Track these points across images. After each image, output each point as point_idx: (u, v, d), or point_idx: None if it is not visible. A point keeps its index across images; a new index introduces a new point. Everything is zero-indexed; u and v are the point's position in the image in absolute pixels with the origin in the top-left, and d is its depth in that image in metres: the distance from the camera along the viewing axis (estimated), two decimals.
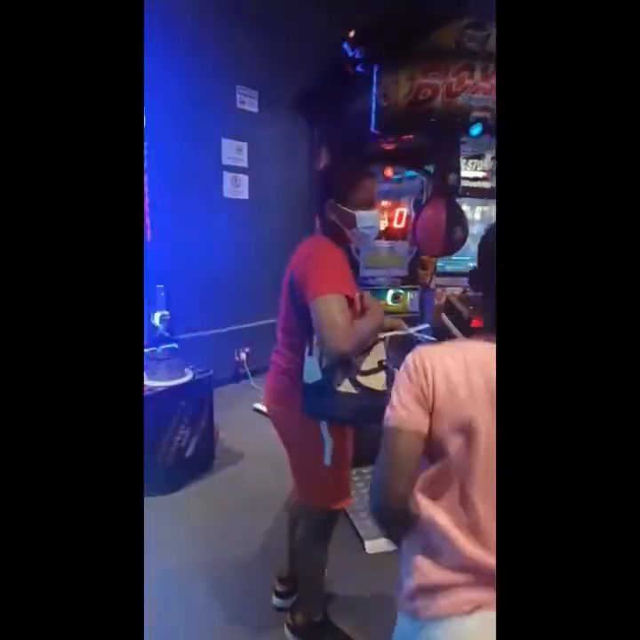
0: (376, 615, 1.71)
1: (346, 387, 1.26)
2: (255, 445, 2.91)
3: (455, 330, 2.69)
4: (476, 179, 3.05)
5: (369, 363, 1.32)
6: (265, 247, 3.98)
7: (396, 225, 2.44)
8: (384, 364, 1.33)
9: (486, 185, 3.09)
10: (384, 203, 2.43)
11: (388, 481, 0.82)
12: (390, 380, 1.33)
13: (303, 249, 1.41)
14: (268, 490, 2.42)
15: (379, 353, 1.35)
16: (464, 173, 2.91)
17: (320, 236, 1.45)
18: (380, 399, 1.26)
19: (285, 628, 1.68)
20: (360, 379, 1.28)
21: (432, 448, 0.81)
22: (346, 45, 1.85)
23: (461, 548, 0.77)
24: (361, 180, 1.42)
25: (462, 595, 0.76)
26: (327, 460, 1.37)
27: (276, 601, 1.78)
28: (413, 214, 2.40)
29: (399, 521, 0.86)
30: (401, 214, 2.43)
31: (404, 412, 0.80)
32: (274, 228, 4.07)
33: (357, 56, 1.85)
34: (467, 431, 0.77)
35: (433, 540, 0.81)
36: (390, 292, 2.46)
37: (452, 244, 1.91)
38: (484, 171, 3.09)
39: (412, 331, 1.47)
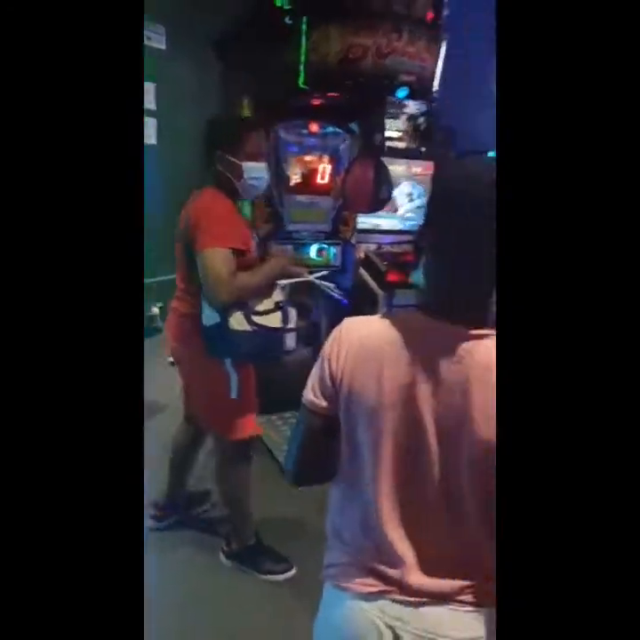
0: (304, 536, 1.91)
1: (242, 325, 1.39)
2: (174, 399, 2.92)
3: (373, 283, 2.87)
4: (390, 138, 3.17)
5: (266, 304, 1.46)
6: (175, 197, 3.81)
7: (319, 180, 2.49)
8: (280, 304, 1.48)
9: (401, 145, 3.24)
10: (308, 157, 2.46)
11: (295, 457, 0.79)
12: (286, 317, 1.49)
13: (194, 200, 1.47)
14: None
15: (277, 295, 1.50)
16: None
17: (211, 188, 1.49)
18: (275, 335, 1.45)
19: (220, 554, 1.81)
20: (255, 318, 1.41)
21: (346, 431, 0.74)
22: None
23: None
24: (248, 131, 1.48)
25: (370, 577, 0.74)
26: (234, 394, 1.49)
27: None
28: (336, 170, 2.47)
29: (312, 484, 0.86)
30: (325, 170, 2.48)
31: (310, 394, 0.76)
32: (185, 176, 3.87)
33: (286, 6, 1.82)
34: (374, 425, 0.70)
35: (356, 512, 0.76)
36: (314, 247, 2.55)
37: (379, 202, 2.03)
38: (399, 131, 3.22)
39: (311, 277, 1.61)
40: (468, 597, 0.70)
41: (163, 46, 3.73)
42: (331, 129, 2.40)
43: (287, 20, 1.88)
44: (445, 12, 1.94)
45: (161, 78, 3.72)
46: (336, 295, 1.64)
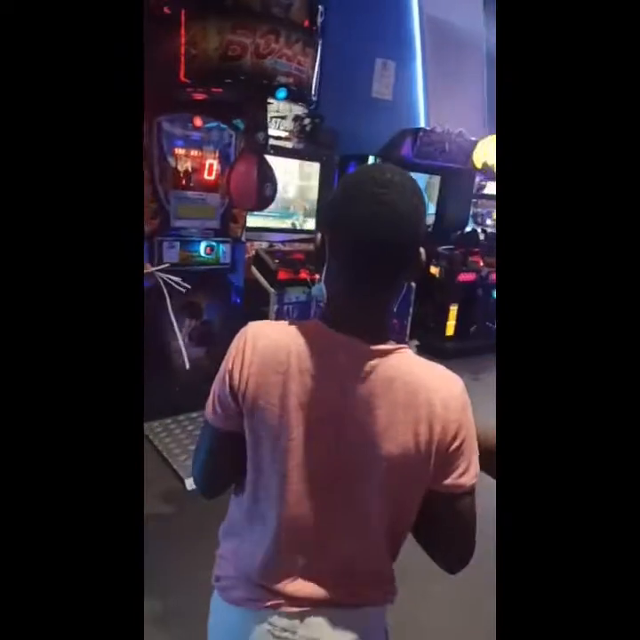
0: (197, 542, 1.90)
1: None
2: None
3: (264, 281, 2.91)
4: (279, 137, 3.24)
5: None
6: None
7: (206, 176, 2.47)
8: None
9: (288, 145, 3.32)
10: (193, 152, 2.43)
11: (199, 470, 0.78)
12: None
13: None
14: None
15: None
16: (270, 131, 3.08)
17: None
18: None
19: None
20: None
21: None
22: None
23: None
24: None
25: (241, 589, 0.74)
26: None
27: None
28: (223, 167, 2.47)
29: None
30: (211, 166, 2.46)
31: (210, 410, 0.72)
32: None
33: None
34: (279, 444, 0.68)
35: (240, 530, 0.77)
36: (203, 244, 2.52)
37: (264, 200, 2.07)
38: (286, 130, 3.30)
39: (152, 270, 1.66)
40: (352, 600, 0.72)
41: None
42: (215, 124, 2.39)
43: (165, 10, 1.85)
44: (321, 19, 2.04)
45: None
46: (180, 288, 1.66)
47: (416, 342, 3.78)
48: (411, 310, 3.54)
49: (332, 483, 0.68)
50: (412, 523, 0.71)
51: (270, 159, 2.35)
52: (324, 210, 0.74)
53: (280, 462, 0.68)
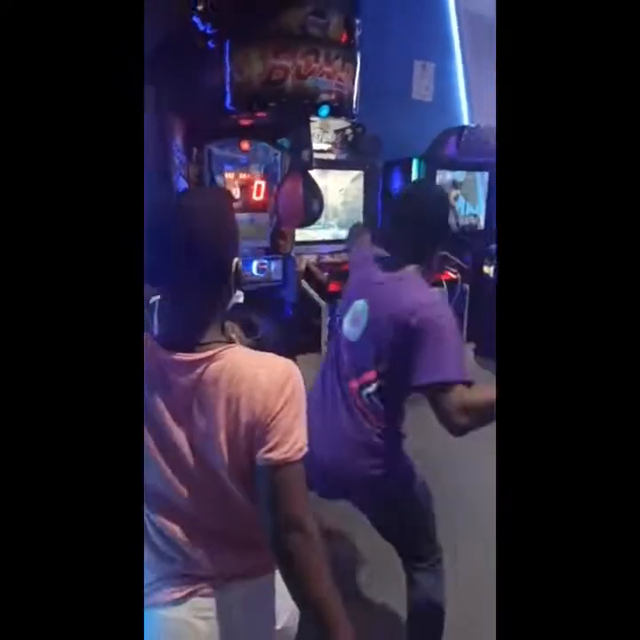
0: None
1: None
2: None
3: (315, 294, 2.94)
4: (321, 150, 3.28)
5: None
6: None
7: (255, 197, 2.53)
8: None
9: (331, 156, 3.35)
10: (242, 175, 2.50)
11: None
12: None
13: None
14: None
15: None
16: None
17: None
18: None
19: None
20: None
21: None
22: (196, 19, 1.85)
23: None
24: None
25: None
26: None
27: None
28: (271, 186, 2.53)
29: None
30: (259, 187, 2.53)
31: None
32: None
33: (208, 31, 1.87)
34: (151, 448, 0.81)
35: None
36: (255, 263, 2.58)
37: (311, 217, 2.10)
38: (328, 143, 3.33)
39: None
40: (256, 571, 0.86)
41: None
42: (261, 146, 2.45)
43: (210, 44, 1.92)
44: (358, 33, 2.05)
45: None
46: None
47: (473, 345, 3.68)
48: (465, 312, 3.45)
49: (194, 480, 0.81)
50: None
51: (314, 172, 2.39)
52: None
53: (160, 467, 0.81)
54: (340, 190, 3.46)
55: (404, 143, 3.65)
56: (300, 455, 0.76)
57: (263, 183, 2.54)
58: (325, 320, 2.85)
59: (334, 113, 2.00)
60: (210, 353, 0.78)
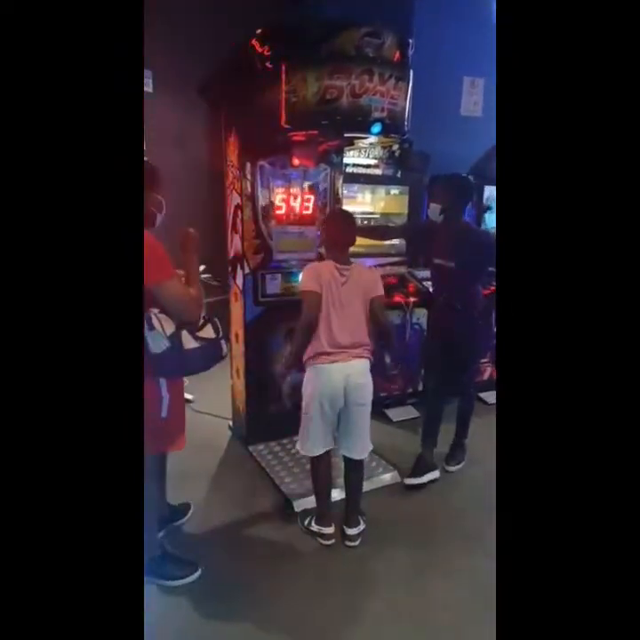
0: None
1: (191, 343, 1.60)
2: None
3: None
4: (368, 165, 3.33)
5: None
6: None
7: (304, 211, 2.60)
8: (205, 317, 1.69)
9: (378, 171, 3.40)
10: (293, 189, 2.58)
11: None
12: (216, 327, 1.70)
13: None
14: None
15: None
16: (358, 160, 3.18)
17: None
18: (216, 344, 1.68)
19: None
20: (199, 334, 1.63)
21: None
22: (256, 42, 1.94)
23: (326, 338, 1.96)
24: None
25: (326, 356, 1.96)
26: (164, 413, 1.66)
27: None
28: (319, 201, 2.60)
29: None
30: (308, 200, 2.60)
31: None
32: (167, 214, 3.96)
33: (266, 53, 1.95)
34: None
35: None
36: (301, 274, 2.63)
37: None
38: (375, 158, 3.37)
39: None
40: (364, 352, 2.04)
41: (150, 90, 3.91)
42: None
43: (268, 65, 2.00)
44: (411, 51, 2.09)
45: (148, 121, 3.86)
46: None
47: None
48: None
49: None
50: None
51: (361, 186, 2.42)
52: None
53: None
54: (384, 205, 3.49)
55: (452, 159, 3.65)
56: None
57: (312, 198, 2.60)
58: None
59: (387, 130, 2.03)
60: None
